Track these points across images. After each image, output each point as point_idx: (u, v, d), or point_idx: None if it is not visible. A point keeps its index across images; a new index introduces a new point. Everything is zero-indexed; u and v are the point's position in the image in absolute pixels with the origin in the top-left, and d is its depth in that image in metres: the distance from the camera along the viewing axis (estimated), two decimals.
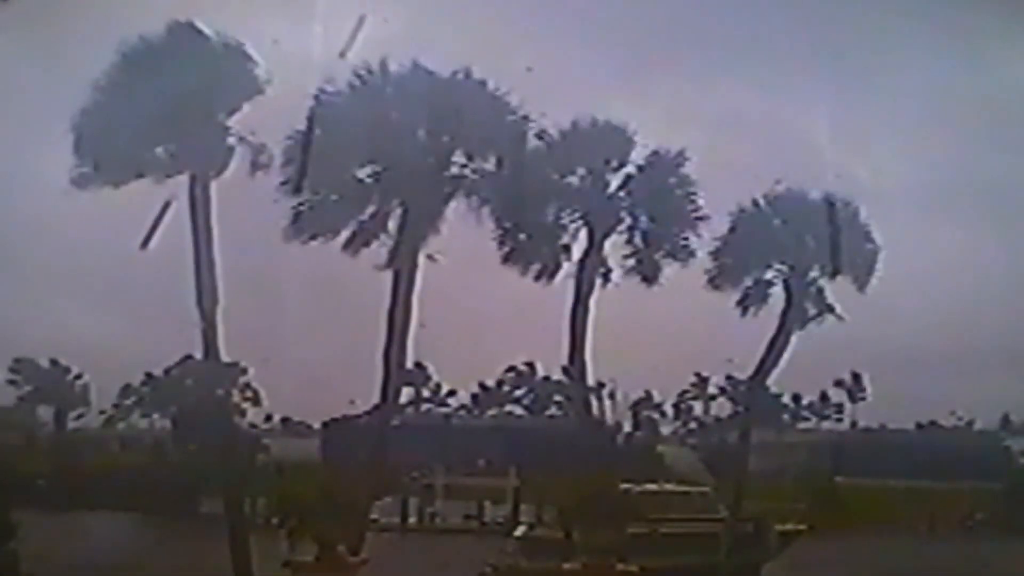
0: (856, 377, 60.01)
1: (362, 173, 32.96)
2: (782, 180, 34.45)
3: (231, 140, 31.49)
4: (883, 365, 48.37)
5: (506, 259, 34.96)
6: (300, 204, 32.41)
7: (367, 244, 33.13)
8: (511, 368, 61.56)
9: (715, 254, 35.23)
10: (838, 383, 60.93)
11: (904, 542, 40.31)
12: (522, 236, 34.93)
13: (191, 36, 31.09)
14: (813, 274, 34.83)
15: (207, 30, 30.96)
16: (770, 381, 37.36)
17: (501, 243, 34.80)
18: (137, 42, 30.88)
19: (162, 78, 30.14)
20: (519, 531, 36.79)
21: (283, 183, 32.15)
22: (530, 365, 60.98)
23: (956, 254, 45.12)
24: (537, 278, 35.22)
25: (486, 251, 34.84)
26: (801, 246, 34.75)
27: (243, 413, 52.15)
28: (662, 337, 46.02)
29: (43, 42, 34.76)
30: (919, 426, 58.39)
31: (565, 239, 35.21)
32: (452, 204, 33.09)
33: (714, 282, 35.23)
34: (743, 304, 35.40)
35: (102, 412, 58.60)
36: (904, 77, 42.50)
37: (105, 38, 31.46)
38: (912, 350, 46.12)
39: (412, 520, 44.63)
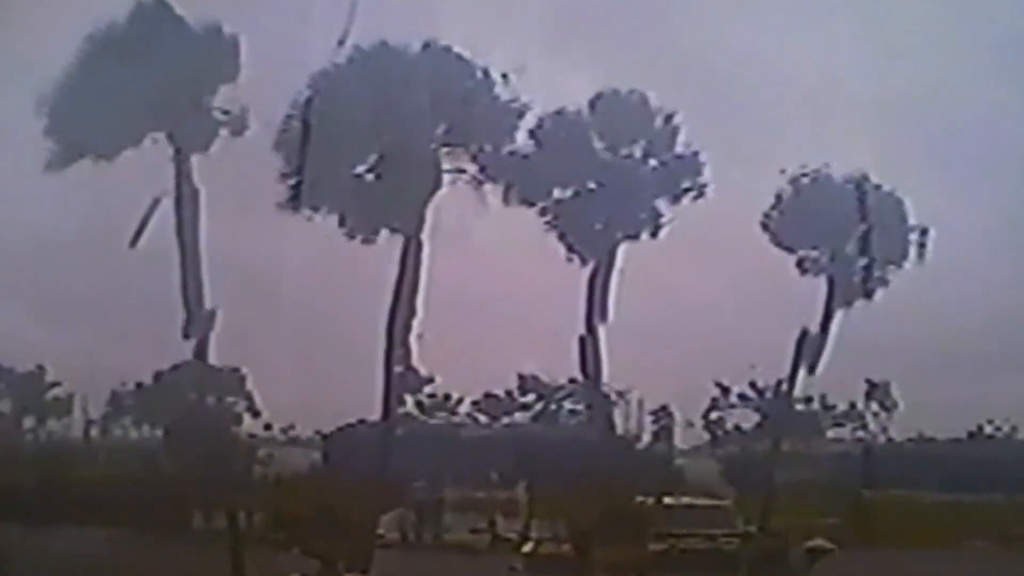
0: (874, 386, 59.81)
1: (361, 164, 33.15)
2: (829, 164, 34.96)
3: (216, 120, 31.75)
4: (916, 370, 48.33)
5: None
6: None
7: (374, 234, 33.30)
8: (522, 375, 61.62)
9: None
10: (867, 393, 60.84)
11: (938, 558, 40.16)
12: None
13: (167, 18, 31.34)
14: (856, 258, 35.14)
15: (183, 12, 31.28)
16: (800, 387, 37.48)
17: None
18: (112, 24, 31.17)
19: (140, 60, 30.38)
20: (529, 547, 36.77)
21: (283, 174, 32.36)
22: (541, 372, 61.02)
23: (988, 246, 44.99)
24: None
25: (492, 251, 34.96)
26: (840, 230, 35.07)
27: (239, 422, 52.32)
28: (682, 342, 46.13)
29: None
30: (958, 436, 58.29)
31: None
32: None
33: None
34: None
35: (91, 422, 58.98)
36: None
37: (81, 20, 31.79)
38: (946, 354, 46.07)
39: (418, 535, 44.64)
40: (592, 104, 34.71)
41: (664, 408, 61.37)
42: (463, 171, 33.53)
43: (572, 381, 53.03)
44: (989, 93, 44.56)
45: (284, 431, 60.85)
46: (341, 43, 31.07)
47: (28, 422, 59.87)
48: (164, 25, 31.30)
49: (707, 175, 34.80)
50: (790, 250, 35.59)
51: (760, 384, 53.06)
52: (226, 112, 31.77)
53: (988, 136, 45.05)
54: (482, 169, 33.47)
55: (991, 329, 45.50)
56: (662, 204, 34.90)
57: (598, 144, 34.82)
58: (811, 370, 35.53)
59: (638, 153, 34.87)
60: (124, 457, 55.10)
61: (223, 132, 31.82)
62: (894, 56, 40.57)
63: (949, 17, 43.69)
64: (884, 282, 35.47)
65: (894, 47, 40.53)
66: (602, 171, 34.68)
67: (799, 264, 35.54)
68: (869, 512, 45.22)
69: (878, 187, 35.13)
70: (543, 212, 34.76)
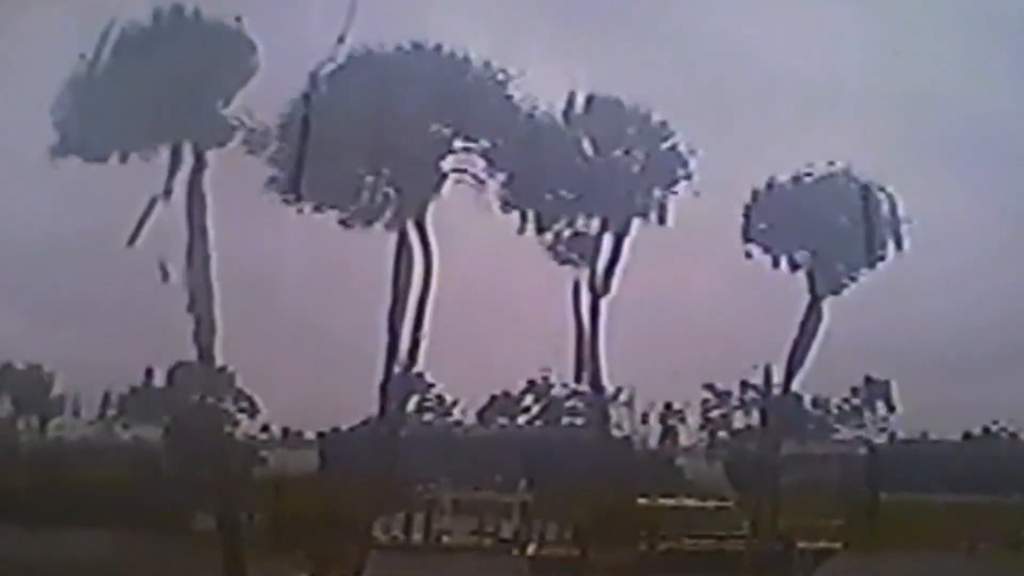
0: (877, 387, 59.54)
1: (360, 162, 33.13)
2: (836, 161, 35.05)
3: (228, 123, 31.79)
4: (919, 371, 48.11)
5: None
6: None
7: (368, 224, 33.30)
8: (522, 377, 61.50)
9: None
10: (871, 394, 60.61)
11: (944, 561, 40.11)
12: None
13: (184, 20, 31.36)
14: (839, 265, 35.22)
15: (201, 14, 31.28)
16: (801, 387, 37.49)
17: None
18: (129, 26, 31.21)
19: (155, 61, 30.43)
20: (530, 548, 36.75)
21: (273, 178, 32.38)
22: (544, 374, 60.86)
23: (995, 241, 44.81)
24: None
25: (493, 250, 34.96)
26: (827, 230, 35.15)
27: (238, 423, 52.23)
28: (683, 341, 45.95)
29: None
30: (965, 436, 58.11)
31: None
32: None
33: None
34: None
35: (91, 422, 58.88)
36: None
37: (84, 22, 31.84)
38: (952, 354, 45.90)
39: (417, 537, 44.61)
40: (575, 103, 34.81)
41: (667, 408, 61.23)
42: (464, 171, 33.56)
43: (575, 381, 52.92)
44: (991, 93, 44.47)
45: (284, 432, 60.73)
46: (341, 40, 31.14)
47: (27, 422, 59.75)
48: (176, 27, 31.39)
49: (693, 166, 35.04)
50: (771, 251, 35.74)
51: (761, 385, 52.86)
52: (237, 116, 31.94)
53: (990, 136, 44.95)
54: (489, 163, 33.50)
55: (996, 329, 45.29)
56: (651, 195, 35.09)
57: (586, 143, 34.94)
58: (795, 370, 35.72)
59: (624, 150, 34.96)
60: (123, 457, 55.04)
61: (236, 134, 31.92)
62: (896, 55, 40.56)
63: (952, 16, 43.61)
64: (854, 280, 35.63)
65: (896, 45, 40.52)
66: (590, 169, 34.82)
67: (775, 264, 35.78)
68: (874, 513, 45.15)
69: (862, 184, 35.12)
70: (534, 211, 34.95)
